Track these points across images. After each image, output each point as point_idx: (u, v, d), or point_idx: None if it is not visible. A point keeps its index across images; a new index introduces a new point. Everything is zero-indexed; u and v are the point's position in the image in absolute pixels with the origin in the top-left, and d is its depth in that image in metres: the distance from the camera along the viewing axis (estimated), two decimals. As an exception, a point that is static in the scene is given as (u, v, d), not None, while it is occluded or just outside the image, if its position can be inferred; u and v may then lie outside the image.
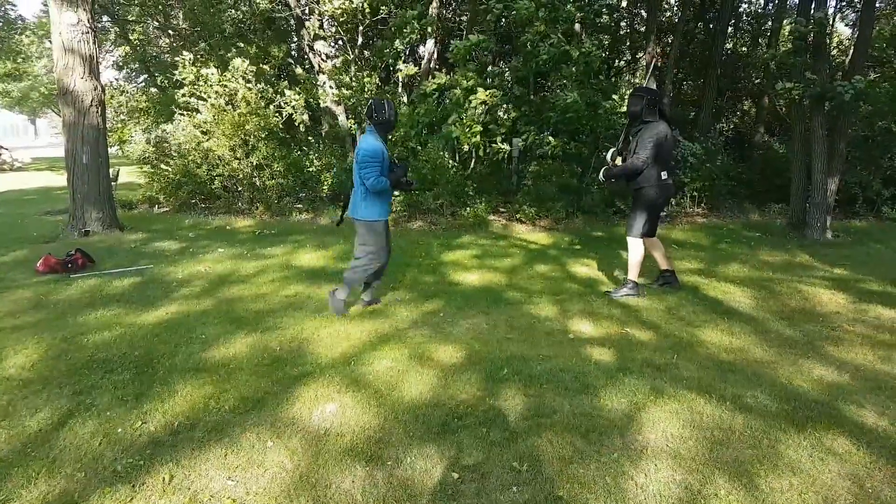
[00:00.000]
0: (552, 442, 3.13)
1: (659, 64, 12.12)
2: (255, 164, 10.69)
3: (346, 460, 2.98)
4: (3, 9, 23.57)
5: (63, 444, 3.10)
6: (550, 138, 9.50)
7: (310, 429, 3.26)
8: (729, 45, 14.54)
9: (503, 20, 10.65)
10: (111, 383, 3.77)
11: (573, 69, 9.13)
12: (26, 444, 3.10)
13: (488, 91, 9.30)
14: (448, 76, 10.04)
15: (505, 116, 10.02)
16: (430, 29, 11.33)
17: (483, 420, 3.34)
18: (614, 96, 9.67)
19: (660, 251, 5.92)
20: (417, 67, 12.17)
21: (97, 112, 8.56)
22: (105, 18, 14.49)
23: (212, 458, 2.98)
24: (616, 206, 10.26)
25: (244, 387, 3.73)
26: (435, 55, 12.41)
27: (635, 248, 5.67)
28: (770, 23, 15.03)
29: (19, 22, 24.81)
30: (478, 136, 9.35)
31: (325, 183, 10.63)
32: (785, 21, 14.56)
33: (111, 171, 9.75)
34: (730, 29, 14.09)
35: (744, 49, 15.33)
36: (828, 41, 8.80)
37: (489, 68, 10.40)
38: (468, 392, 3.67)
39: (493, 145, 9.65)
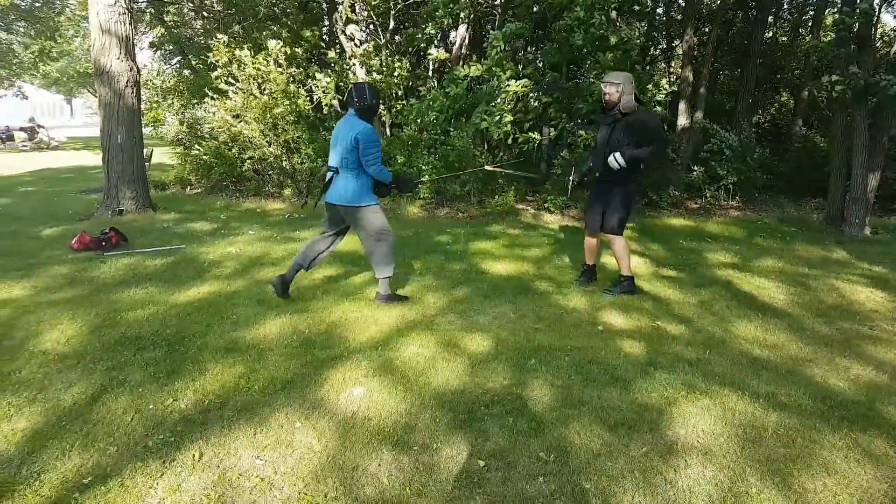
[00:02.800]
0: (580, 434, 3.10)
1: (696, 53, 11.91)
2: (285, 147, 10.73)
3: (372, 443, 2.99)
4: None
5: (96, 419, 3.15)
6: (582, 132, 9.36)
7: (337, 411, 3.28)
8: (769, 35, 14.20)
9: (538, 5, 10.50)
10: (143, 360, 3.83)
11: (609, 56, 8.95)
12: (61, 417, 3.16)
13: (521, 82, 9.17)
14: (481, 63, 9.91)
15: (535, 104, 9.92)
16: (462, 14, 11.22)
17: (510, 409, 3.33)
18: (649, 86, 9.49)
19: (596, 248, 5.69)
20: (449, 53, 12.08)
21: (132, 93, 8.65)
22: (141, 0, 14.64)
23: (241, 437, 3.01)
24: (648, 197, 10.12)
25: (273, 367, 3.76)
26: (467, 40, 12.31)
27: (621, 244, 5.35)
28: (812, 12, 14.67)
29: (57, 2, 25.17)
30: (508, 126, 9.24)
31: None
32: (828, 11, 14.20)
33: (145, 151, 9.88)
34: (769, 18, 13.74)
35: (784, 39, 14.97)
36: (872, 32, 8.52)
37: (520, 54, 10.27)
38: (495, 381, 3.66)
39: (523, 134, 9.53)
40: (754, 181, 10.54)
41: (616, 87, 5.03)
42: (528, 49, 12.09)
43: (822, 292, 5.67)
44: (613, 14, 9.39)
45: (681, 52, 12.40)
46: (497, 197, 9.60)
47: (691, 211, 10.39)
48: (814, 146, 12.44)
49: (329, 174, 4.81)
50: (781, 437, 3.11)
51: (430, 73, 12.31)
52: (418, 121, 10.02)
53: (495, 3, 11.89)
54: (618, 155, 5.03)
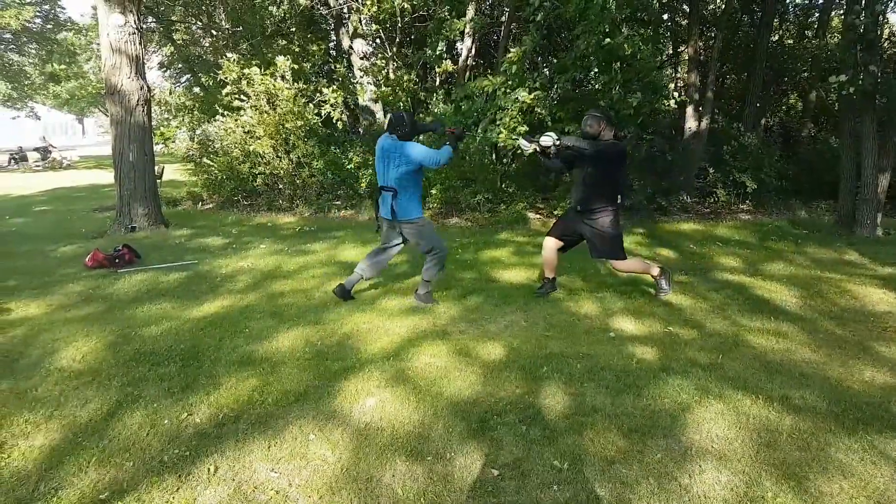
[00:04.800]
0: (593, 441, 3.10)
1: (702, 58, 11.89)
2: (295, 162, 10.83)
3: (386, 454, 2.99)
4: (53, 11, 24.29)
5: (112, 435, 3.18)
6: None
7: (351, 422, 3.29)
8: (775, 38, 14.17)
9: (544, 15, 10.47)
10: (158, 376, 3.86)
11: (618, 67, 8.91)
12: (77, 433, 3.19)
13: (533, 94, 9.16)
14: (495, 77, 9.89)
15: (542, 111, 9.90)
16: (468, 28, 11.29)
17: (523, 418, 3.33)
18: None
19: (555, 262, 5.63)
20: (455, 64, 12.15)
21: (143, 111, 8.77)
22: (150, 19, 14.82)
23: (255, 450, 3.03)
24: (657, 203, 10.11)
25: (287, 380, 3.78)
26: (473, 51, 12.37)
27: (629, 265, 5.40)
28: (817, 14, 14.64)
29: (68, 24, 25.55)
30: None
31: (363, 180, 10.70)
32: (834, 12, 14.17)
33: (156, 168, 9.98)
34: (775, 20, 13.71)
35: (790, 41, 14.93)
36: (879, 33, 8.50)
37: (527, 64, 10.23)
38: (507, 389, 3.66)
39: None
40: (766, 184, 10.51)
41: (598, 122, 5.13)
42: (537, 59, 12.09)
43: (835, 294, 5.64)
44: (624, 29, 9.33)
45: (687, 58, 12.40)
46: (506, 206, 9.62)
47: (702, 215, 10.37)
48: (824, 148, 12.39)
49: (384, 194, 5.15)
50: (796, 440, 3.09)
51: (438, 84, 12.37)
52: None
53: (501, 17, 11.94)
54: (550, 134, 5.07)
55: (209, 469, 2.87)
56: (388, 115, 5.28)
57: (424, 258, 5.33)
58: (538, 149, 5.17)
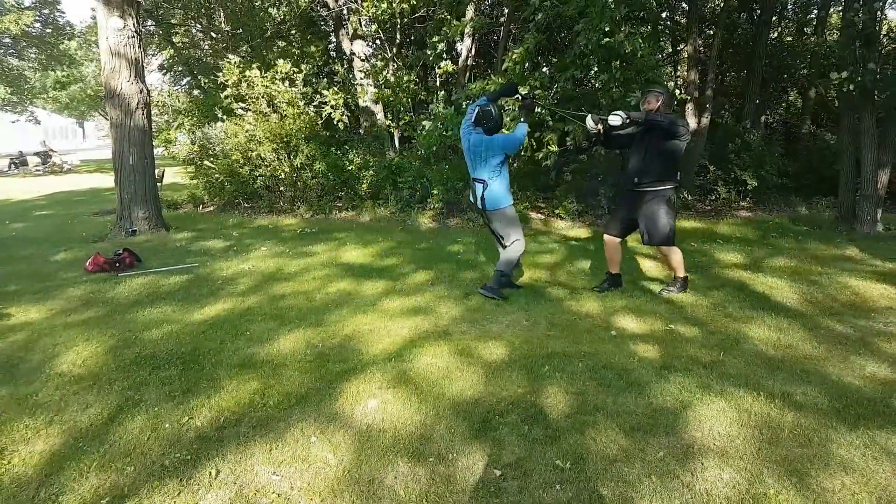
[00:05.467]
0: (596, 440, 3.09)
1: (701, 56, 11.86)
2: (297, 164, 10.83)
3: (388, 456, 2.99)
4: (52, 16, 24.29)
5: (113, 439, 3.18)
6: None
7: (353, 424, 3.29)
8: (773, 35, 14.14)
9: (544, 15, 10.44)
10: (159, 379, 3.86)
11: (618, 66, 8.88)
12: (78, 438, 3.19)
13: (534, 93, 9.14)
14: (492, 76, 9.87)
15: (542, 111, 9.87)
16: (467, 28, 11.27)
17: (525, 417, 3.32)
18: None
19: (618, 256, 5.75)
20: (455, 65, 12.14)
21: (143, 114, 8.77)
22: (150, 22, 14.83)
23: (257, 453, 3.02)
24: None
25: (288, 383, 3.78)
26: (473, 52, 12.36)
27: (677, 255, 5.48)
28: (816, 11, 14.61)
29: (67, 28, 25.56)
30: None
31: (364, 181, 10.70)
32: (833, 9, 14.14)
33: (156, 171, 9.98)
34: (774, 18, 13.68)
35: (789, 39, 14.91)
36: (878, 29, 8.48)
37: (527, 65, 10.19)
38: (509, 389, 3.66)
39: (547, 148, 9.38)
40: (767, 182, 10.49)
41: (657, 98, 5.25)
42: (537, 58, 12.06)
43: (836, 290, 5.62)
44: (624, 27, 9.29)
45: (686, 56, 12.38)
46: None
47: (702, 213, 10.36)
48: (823, 145, 12.37)
49: (475, 184, 5.41)
50: (798, 436, 3.09)
51: (438, 85, 12.36)
52: (433, 147, 10.00)
53: (501, 18, 11.93)
54: (619, 112, 5.03)
55: (210, 473, 2.87)
56: (475, 108, 5.31)
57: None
58: (602, 128, 5.30)
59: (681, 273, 5.57)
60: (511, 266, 5.55)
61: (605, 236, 5.69)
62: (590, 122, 5.34)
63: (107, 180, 17.20)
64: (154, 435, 3.21)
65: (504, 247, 5.56)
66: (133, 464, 2.96)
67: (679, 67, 15.29)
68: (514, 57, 9.27)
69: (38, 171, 24.13)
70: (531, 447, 3.04)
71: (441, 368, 3.95)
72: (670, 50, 14.33)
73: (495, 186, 5.31)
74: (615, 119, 4.99)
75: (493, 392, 3.63)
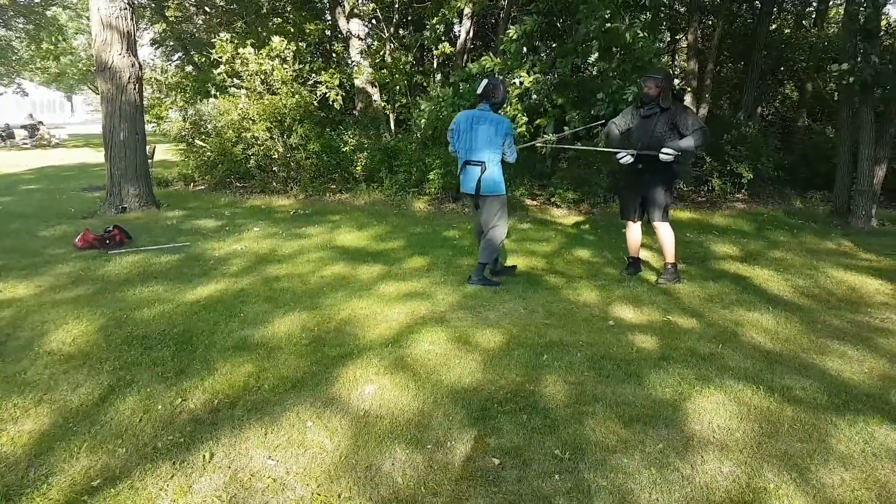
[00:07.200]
0: (595, 430, 3.06)
1: (700, 46, 11.79)
2: (290, 144, 10.69)
3: (385, 442, 2.95)
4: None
5: (104, 420, 3.12)
6: (601, 127, 9.21)
7: (349, 410, 3.24)
8: (773, 27, 14.09)
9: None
10: (151, 360, 3.79)
11: (618, 53, 8.77)
12: (68, 418, 3.12)
13: (532, 77, 9.03)
14: (496, 58, 9.74)
15: (537, 98, 9.78)
16: (466, 9, 11.14)
17: (523, 406, 3.29)
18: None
19: (639, 242, 5.88)
20: (453, 47, 12.02)
21: (135, 89, 8.62)
22: (142, -6, 14.56)
23: (252, 437, 2.97)
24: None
25: (283, 366, 3.72)
26: (471, 34, 12.24)
27: (668, 232, 5.52)
28: (815, 3, 14.58)
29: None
30: (523, 126, 9.08)
31: (359, 163, 10.59)
32: (832, 2, 14.11)
33: (147, 148, 9.82)
34: (773, 9, 13.62)
35: (787, 31, 14.86)
36: (878, 23, 8.44)
37: (526, 48, 10.07)
38: (507, 378, 3.62)
39: (544, 135, 9.27)
40: (762, 174, 10.48)
41: (656, 83, 5.29)
42: (537, 43, 11.94)
43: (832, 285, 5.63)
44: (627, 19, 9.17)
45: (686, 45, 12.32)
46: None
47: (697, 204, 10.35)
48: (819, 138, 12.37)
49: (470, 168, 5.20)
50: (798, 431, 3.07)
51: (435, 67, 12.23)
52: (429, 128, 9.88)
53: (501, 1, 11.79)
54: (668, 150, 5.17)
55: (204, 456, 2.82)
56: (485, 81, 5.22)
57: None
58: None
59: (670, 259, 5.58)
60: (493, 255, 5.43)
61: (628, 223, 5.76)
62: (627, 159, 5.43)
63: (95, 155, 17.00)
64: (146, 416, 3.15)
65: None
66: (125, 445, 2.90)
67: (677, 57, 15.24)
68: (510, 35, 9.14)
69: (26, 144, 23.77)
70: (530, 436, 3.01)
71: (439, 355, 3.91)
72: (668, 39, 14.25)
73: (494, 170, 5.18)
74: (666, 157, 5.15)
75: (491, 380, 3.59)
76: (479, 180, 5.15)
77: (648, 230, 5.95)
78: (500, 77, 5.31)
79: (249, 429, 3.05)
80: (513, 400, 3.35)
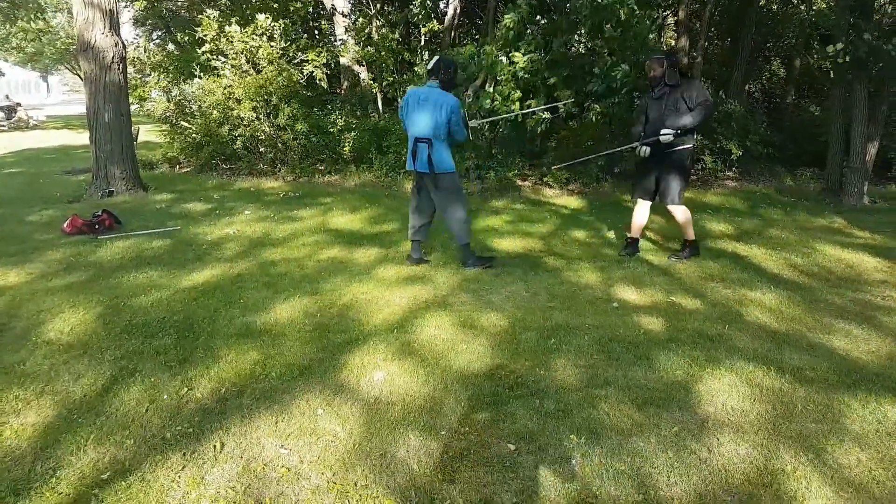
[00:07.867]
0: (609, 414, 3.05)
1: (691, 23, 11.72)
2: (277, 124, 10.49)
3: (399, 429, 2.91)
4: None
5: (109, 411, 3.05)
6: (596, 106, 9.15)
7: (359, 397, 3.20)
8: (762, 2, 14.03)
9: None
10: (153, 348, 3.72)
11: (611, 31, 8.66)
12: (72, 410, 3.05)
13: (526, 56, 8.90)
14: (487, 42, 9.57)
15: (528, 76, 9.66)
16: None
17: (535, 391, 3.26)
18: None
19: (644, 222, 5.91)
20: (441, 24, 11.84)
21: (119, 69, 8.38)
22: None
23: (262, 426, 2.92)
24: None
25: (289, 353, 3.66)
26: (458, 11, 12.06)
27: (685, 214, 5.59)
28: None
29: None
30: (517, 104, 8.96)
31: (347, 144, 10.43)
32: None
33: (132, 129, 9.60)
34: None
35: (775, 7, 14.81)
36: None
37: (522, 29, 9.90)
38: (517, 362, 3.59)
39: (535, 116, 9.17)
40: (753, 151, 10.48)
41: (659, 62, 5.37)
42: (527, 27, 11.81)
43: (830, 263, 5.66)
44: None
45: (675, 22, 12.25)
46: (496, 173, 9.43)
47: (689, 182, 10.31)
48: (807, 116, 12.38)
49: (419, 146, 5.04)
50: (811, 412, 3.08)
51: (423, 44, 12.06)
52: None
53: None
54: (666, 130, 5.25)
55: (215, 446, 2.77)
56: (435, 58, 5.17)
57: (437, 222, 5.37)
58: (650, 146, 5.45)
59: (690, 235, 5.66)
60: (467, 231, 5.28)
61: (637, 201, 5.79)
62: (644, 150, 5.48)
63: (75, 137, 16.68)
64: (153, 406, 3.08)
65: (429, 222, 5.44)
66: (132, 437, 2.84)
67: (663, 34, 15.15)
68: (506, 23, 8.99)
69: (3, 126, 23.20)
70: (544, 421, 2.99)
71: (445, 340, 3.86)
72: (655, 16, 14.16)
73: (441, 147, 5.01)
74: (666, 137, 5.22)
75: (500, 364, 3.55)
76: (428, 158, 5.01)
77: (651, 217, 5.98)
78: (449, 56, 5.22)
79: (259, 417, 2.99)
80: (524, 384, 3.33)
